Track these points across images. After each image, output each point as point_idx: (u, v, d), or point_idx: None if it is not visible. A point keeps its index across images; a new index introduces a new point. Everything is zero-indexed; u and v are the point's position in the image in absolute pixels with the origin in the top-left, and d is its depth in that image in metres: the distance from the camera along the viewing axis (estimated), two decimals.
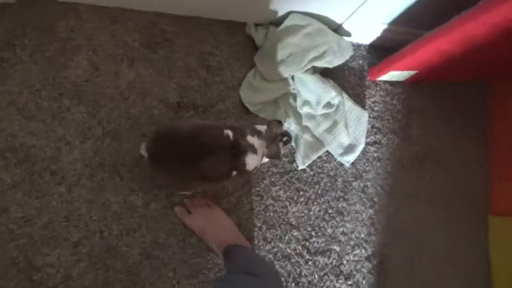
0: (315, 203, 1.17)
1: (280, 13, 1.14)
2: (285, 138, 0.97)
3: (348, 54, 1.21)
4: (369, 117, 1.25)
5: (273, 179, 1.15)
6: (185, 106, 1.13)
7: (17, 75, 1.04)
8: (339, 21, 1.17)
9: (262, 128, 0.96)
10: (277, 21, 1.17)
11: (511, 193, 1.24)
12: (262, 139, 0.93)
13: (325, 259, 1.15)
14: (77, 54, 1.08)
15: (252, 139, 0.92)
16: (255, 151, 0.92)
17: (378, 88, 1.27)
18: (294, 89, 1.16)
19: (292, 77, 1.16)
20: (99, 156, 1.06)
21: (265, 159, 0.99)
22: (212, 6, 1.13)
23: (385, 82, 1.28)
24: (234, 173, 0.91)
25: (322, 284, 1.14)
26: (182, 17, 1.16)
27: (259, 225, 1.13)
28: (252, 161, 0.92)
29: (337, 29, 1.21)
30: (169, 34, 1.15)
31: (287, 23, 1.14)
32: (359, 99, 1.25)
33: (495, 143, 1.33)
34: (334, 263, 1.16)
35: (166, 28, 1.15)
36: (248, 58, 1.19)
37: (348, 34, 1.21)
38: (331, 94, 1.14)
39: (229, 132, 0.89)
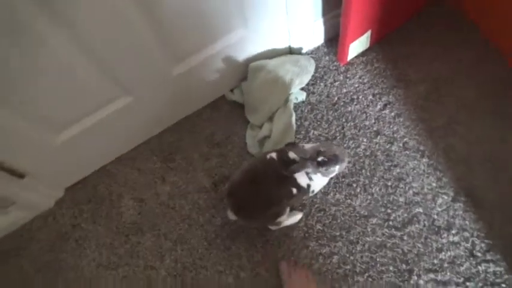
0: (372, 185, 1.19)
1: (241, 71, 1.33)
2: (320, 158, 0.96)
3: (311, 67, 1.34)
4: (364, 90, 1.32)
5: (323, 190, 1.20)
6: (219, 182, 1.27)
7: (92, 242, 1.25)
8: (285, 45, 1.33)
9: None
10: (244, 77, 1.35)
11: None
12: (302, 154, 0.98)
13: (416, 225, 1.13)
14: (122, 200, 1.29)
15: (292, 154, 1.00)
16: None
17: (355, 66, 1.36)
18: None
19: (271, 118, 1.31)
20: (179, 262, 1.18)
21: (325, 179, 1.05)
22: (190, 102, 1.34)
23: (356, 57, 1.37)
24: (294, 190, 0.99)
25: (430, 249, 1.09)
26: (176, 124, 1.37)
27: (338, 234, 1.15)
28: (300, 176, 0.98)
29: (291, 50, 1.36)
30: (176, 141, 1.35)
31: (250, 74, 1.31)
32: (346, 84, 1.33)
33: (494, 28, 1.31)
34: (427, 224, 1.12)
35: (171, 139, 1.35)
36: (241, 117, 1.35)
37: (300, 48, 1.36)
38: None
39: (273, 155, 1.01)
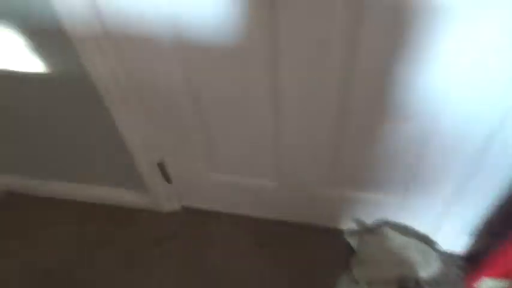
0: None
1: (371, 221, 1.38)
2: None
3: (435, 266, 1.31)
4: None
5: None
6: None
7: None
8: (425, 231, 1.34)
9: None
10: (371, 228, 1.39)
11: None
12: None
13: None
14: (208, 251, 1.42)
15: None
16: None
17: None
18: None
19: None
20: None
21: None
22: (314, 214, 1.43)
23: None
24: None
25: None
26: (288, 222, 1.47)
27: None
28: None
29: (425, 238, 1.36)
30: (279, 235, 1.44)
31: (378, 234, 1.35)
32: None
33: None
34: None
35: (275, 229, 1.45)
36: (343, 263, 1.36)
37: (435, 243, 1.34)
38: None
39: None
